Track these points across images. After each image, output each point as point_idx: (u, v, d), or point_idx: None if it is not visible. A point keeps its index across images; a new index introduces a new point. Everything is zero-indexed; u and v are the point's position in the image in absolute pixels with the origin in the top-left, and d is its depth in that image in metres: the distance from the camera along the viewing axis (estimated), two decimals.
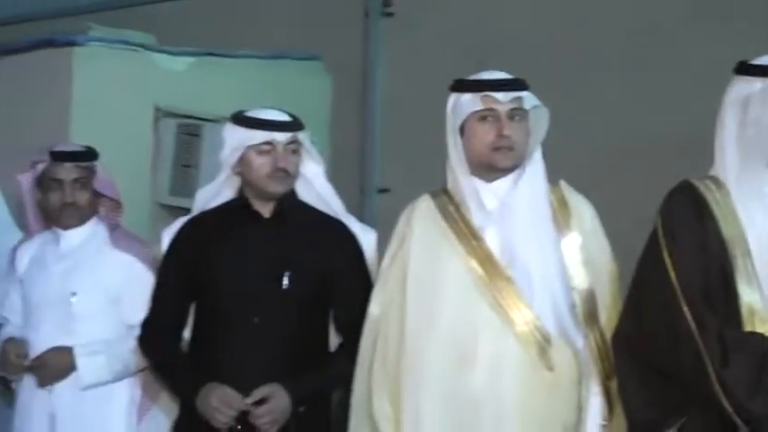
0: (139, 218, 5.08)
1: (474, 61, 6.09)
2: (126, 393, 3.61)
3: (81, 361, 3.49)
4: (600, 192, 3.21)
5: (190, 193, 5.49)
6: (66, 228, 3.64)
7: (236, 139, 3.24)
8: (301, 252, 3.22)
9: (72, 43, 5.26)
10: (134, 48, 5.49)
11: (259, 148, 3.20)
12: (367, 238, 3.38)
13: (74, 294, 3.55)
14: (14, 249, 3.76)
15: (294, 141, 3.25)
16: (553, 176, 3.06)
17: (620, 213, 3.56)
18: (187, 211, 5.48)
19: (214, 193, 3.40)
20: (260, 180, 3.21)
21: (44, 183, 3.63)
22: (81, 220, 3.64)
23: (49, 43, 5.32)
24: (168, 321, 3.33)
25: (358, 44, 6.50)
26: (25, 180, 3.71)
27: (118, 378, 3.57)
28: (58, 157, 3.61)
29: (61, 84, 5.23)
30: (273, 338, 3.14)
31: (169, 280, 3.35)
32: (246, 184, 3.26)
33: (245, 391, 3.06)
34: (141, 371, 3.61)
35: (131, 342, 3.49)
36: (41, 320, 3.56)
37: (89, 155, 3.68)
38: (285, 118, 3.26)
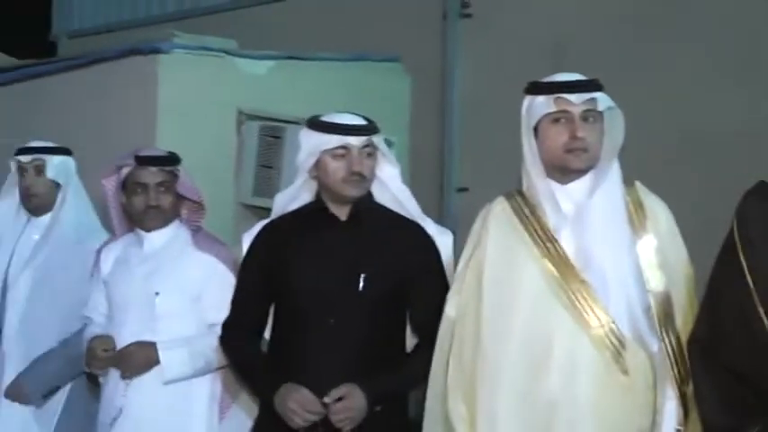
0: (224, 218, 5.13)
1: (551, 60, 6.11)
2: (206, 390, 3.62)
3: (164, 355, 3.50)
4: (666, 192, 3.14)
5: (272, 194, 5.46)
6: (149, 230, 3.66)
7: (312, 143, 3.21)
8: (377, 254, 3.19)
9: (157, 51, 5.33)
10: (217, 53, 5.55)
11: (334, 153, 3.17)
12: (443, 239, 3.33)
13: (157, 294, 3.57)
14: (99, 251, 3.80)
15: (369, 145, 3.21)
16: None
17: (687, 214, 3.47)
18: (269, 211, 5.55)
19: (292, 196, 3.38)
20: (335, 184, 3.19)
21: (129, 186, 3.65)
22: (164, 223, 3.67)
23: (135, 52, 5.39)
24: (248, 323, 3.33)
25: (437, 46, 6.48)
26: (109, 184, 3.74)
27: (198, 374, 3.57)
28: (143, 161, 3.63)
29: (147, 90, 5.30)
30: (349, 340, 3.12)
31: (248, 282, 3.34)
32: (323, 187, 3.24)
33: (321, 391, 3.04)
34: (221, 368, 3.61)
35: (212, 339, 3.49)
36: (125, 320, 3.59)
37: (173, 159, 3.70)
38: (360, 122, 3.22)
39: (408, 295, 3.21)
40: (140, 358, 3.52)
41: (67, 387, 3.93)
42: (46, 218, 4.03)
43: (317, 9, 6.75)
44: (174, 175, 3.67)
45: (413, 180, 3.65)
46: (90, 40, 8.26)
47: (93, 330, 3.69)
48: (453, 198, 6.36)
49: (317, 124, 3.22)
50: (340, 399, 3.04)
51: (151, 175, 3.61)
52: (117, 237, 3.81)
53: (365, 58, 6.29)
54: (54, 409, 3.90)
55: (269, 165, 5.49)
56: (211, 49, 5.51)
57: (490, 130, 6.17)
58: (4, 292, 3.97)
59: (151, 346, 3.52)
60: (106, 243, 3.82)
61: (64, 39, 8.66)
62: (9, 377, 3.90)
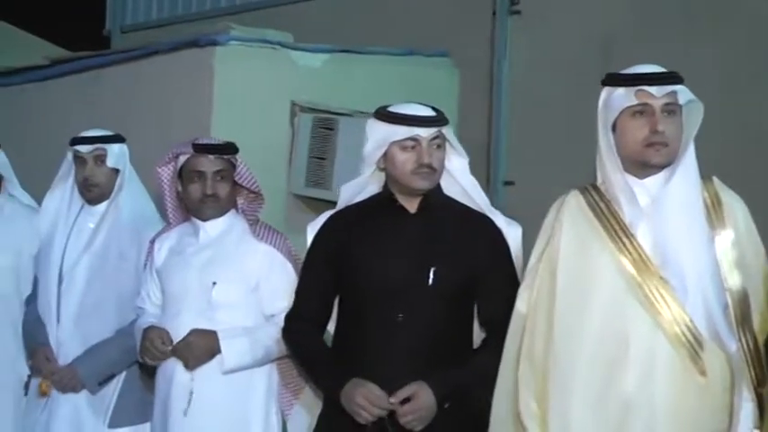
0: (276, 208, 4.98)
1: (600, 56, 5.91)
2: (264, 384, 3.44)
3: (225, 344, 3.32)
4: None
5: (324, 185, 5.38)
6: (205, 219, 3.48)
7: (380, 134, 3.03)
8: (447, 248, 3.01)
9: (214, 43, 5.17)
10: (272, 46, 5.38)
11: (403, 144, 3.00)
12: (512, 231, 3.14)
13: (214, 284, 3.38)
14: (152, 241, 3.63)
15: (438, 136, 3.04)
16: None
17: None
18: (321, 202, 5.42)
19: (359, 187, 3.20)
20: (404, 176, 3.01)
21: (185, 175, 3.47)
22: (220, 212, 3.49)
23: (192, 44, 5.23)
24: (312, 315, 3.16)
25: (485, 41, 6.28)
26: (165, 172, 3.56)
27: (257, 364, 3.40)
28: (201, 149, 3.45)
29: (204, 82, 5.16)
30: (418, 335, 2.95)
31: (313, 274, 3.17)
32: (391, 179, 3.07)
33: (389, 386, 2.88)
34: (281, 358, 3.44)
35: (272, 330, 3.34)
36: (182, 310, 3.41)
37: (230, 148, 3.51)
38: (429, 113, 3.04)
39: (477, 289, 3.03)
40: (202, 347, 3.34)
41: (122, 376, 3.76)
42: (101, 206, 3.85)
43: (370, 3, 6.56)
44: (232, 164, 3.49)
45: None
46: (143, 34, 8.11)
47: (146, 321, 3.50)
48: (500, 192, 6.16)
49: (385, 115, 3.04)
50: (408, 398, 2.87)
51: (209, 164, 3.43)
52: (171, 226, 3.62)
53: (416, 53, 6.11)
54: (108, 398, 3.73)
55: (322, 156, 5.32)
56: (267, 42, 5.35)
57: (537, 124, 6.00)
58: (59, 281, 3.80)
59: (212, 334, 3.34)
60: (160, 233, 3.63)
61: (117, 33, 8.52)
62: (64, 362, 3.73)
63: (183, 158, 3.47)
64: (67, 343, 3.74)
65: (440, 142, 3.04)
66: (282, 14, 6.49)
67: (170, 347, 3.35)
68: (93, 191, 3.82)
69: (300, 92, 5.47)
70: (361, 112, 5.35)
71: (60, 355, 3.74)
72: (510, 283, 2.95)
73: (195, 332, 3.34)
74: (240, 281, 3.41)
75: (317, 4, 6.61)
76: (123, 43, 8.12)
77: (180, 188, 3.50)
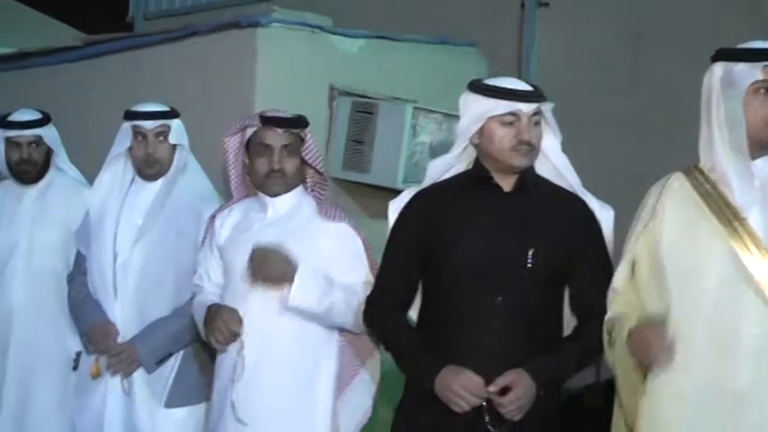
0: None
1: (629, 50, 5.69)
2: (333, 366, 3.15)
3: (300, 277, 3.00)
4: None
5: (362, 168, 5.13)
6: (273, 195, 3.18)
7: (478, 109, 2.74)
8: (545, 228, 2.74)
9: (256, 24, 4.88)
10: (312, 29, 5.10)
11: (502, 119, 2.72)
12: (605, 214, 2.86)
13: None
14: (213, 217, 3.32)
15: (538, 113, 2.77)
16: None
17: None
18: (358, 185, 5.18)
19: (448, 164, 2.91)
20: (501, 153, 2.73)
21: (252, 147, 3.17)
22: (287, 188, 3.18)
23: (234, 25, 4.95)
24: (397, 298, 2.88)
25: (513, 33, 6.07)
26: (232, 143, 3.25)
27: (319, 316, 3.06)
28: (270, 121, 3.15)
29: (246, 63, 4.88)
30: (514, 318, 2.67)
31: (398, 255, 2.89)
32: (486, 156, 2.78)
33: (484, 373, 2.61)
34: (344, 332, 3.15)
35: (349, 293, 3.05)
36: (250, 288, 3.08)
37: (300, 122, 3.21)
38: (529, 88, 2.77)
39: (570, 273, 2.76)
40: (277, 267, 3.00)
41: (179, 355, 3.48)
42: (157, 183, 3.57)
43: None
44: (301, 139, 3.20)
45: None
46: (166, 21, 7.81)
47: (208, 299, 3.20)
48: None
49: (484, 88, 2.75)
50: (506, 387, 2.61)
51: (276, 137, 3.12)
52: (233, 202, 3.32)
53: (446, 42, 5.85)
54: (165, 378, 3.46)
55: (360, 140, 5.06)
56: (307, 25, 5.07)
57: (564, 116, 5.74)
58: (114, 259, 3.52)
59: (292, 262, 3.01)
60: (220, 209, 3.33)
61: (140, 19, 8.21)
62: (122, 341, 3.47)
63: (250, 131, 3.18)
64: (126, 320, 3.47)
65: (538, 119, 2.78)
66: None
67: (242, 329, 3.05)
68: (155, 167, 3.54)
69: (338, 76, 5.19)
70: (396, 98, 5.11)
71: (122, 333, 3.47)
72: (604, 266, 2.71)
73: (278, 254, 3.02)
74: (312, 259, 3.09)
75: None
76: (147, 29, 7.81)
77: (246, 161, 3.21)
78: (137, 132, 3.54)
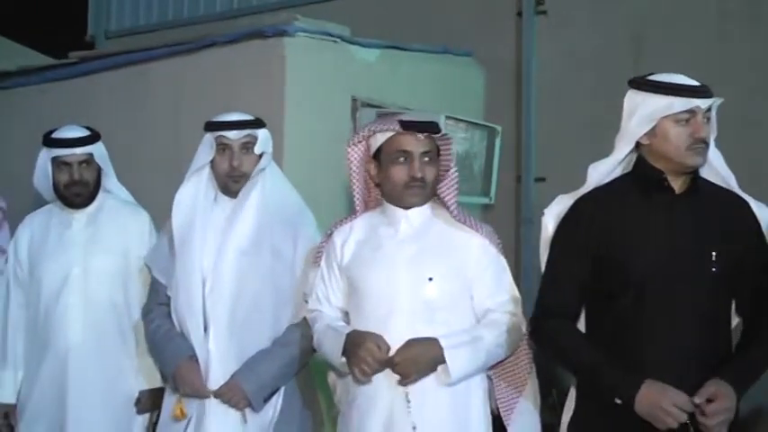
0: (337, 203, 4.18)
1: (629, 55, 5.35)
2: (481, 385, 2.66)
3: (450, 354, 2.51)
4: None
5: None
6: (408, 206, 2.67)
7: (650, 107, 2.36)
8: (720, 231, 2.38)
9: (283, 33, 4.32)
10: (333, 39, 4.57)
11: (677, 117, 2.34)
12: (764, 214, 2.49)
13: (430, 279, 2.58)
14: (330, 234, 2.78)
15: (710, 109, 2.39)
16: None
17: None
18: None
19: (611, 167, 2.51)
20: (678, 152, 2.36)
21: (387, 156, 2.65)
22: (426, 199, 2.69)
23: (257, 34, 4.37)
24: (566, 310, 2.46)
25: (511, 41, 5.65)
26: (355, 152, 2.73)
27: (481, 370, 2.63)
28: (411, 126, 2.63)
29: (274, 73, 4.30)
30: (704, 323, 2.32)
31: (565, 264, 2.46)
32: (657, 156, 2.40)
33: (681, 383, 2.25)
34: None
35: (494, 330, 2.60)
36: (393, 311, 2.56)
37: (438, 126, 2.70)
38: (699, 83, 2.39)
39: (739, 276, 2.39)
40: (426, 360, 2.52)
41: (281, 389, 2.91)
42: (246, 198, 2.97)
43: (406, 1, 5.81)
44: (436, 145, 2.69)
45: None
46: (130, 40, 7.11)
47: (336, 326, 2.66)
48: (531, 188, 5.50)
49: (657, 86, 2.37)
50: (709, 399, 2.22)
51: (416, 143, 2.62)
52: (353, 216, 2.78)
53: (447, 51, 5.39)
54: (270, 414, 2.88)
55: None
56: (330, 34, 4.54)
57: (566, 121, 5.38)
58: (203, 285, 2.92)
59: (434, 343, 2.52)
60: (339, 224, 2.79)
61: (102, 39, 7.47)
62: (218, 376, 2.86)
63: (381, 137, 2.66)
64: (221, 354, 2.87)
65: (710, 115, 2.39)
66: (340, 7, 5.64)
67: (387, 356, 2.52)
68: (240, 181, 2.97)
69: (358, 86, 4.68)
70: (408, 109, 4.61)
71: (211, 369, 2.86)
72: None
73: (415, 342, 2.52)
74: (456, 276, 2.62)
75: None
76: (110, 48, 7.09)
77: (374, 170, 2.69)
78: (220, 144, 2.95)
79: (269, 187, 3.01)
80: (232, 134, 2.95)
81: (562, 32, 5.48)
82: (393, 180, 2.63)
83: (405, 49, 5.06)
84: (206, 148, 2.99)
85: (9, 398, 3.26)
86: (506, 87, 5.59)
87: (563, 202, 2.55)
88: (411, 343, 2.51)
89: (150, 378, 3.22)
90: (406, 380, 2.51)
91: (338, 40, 4.59)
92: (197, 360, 2.86)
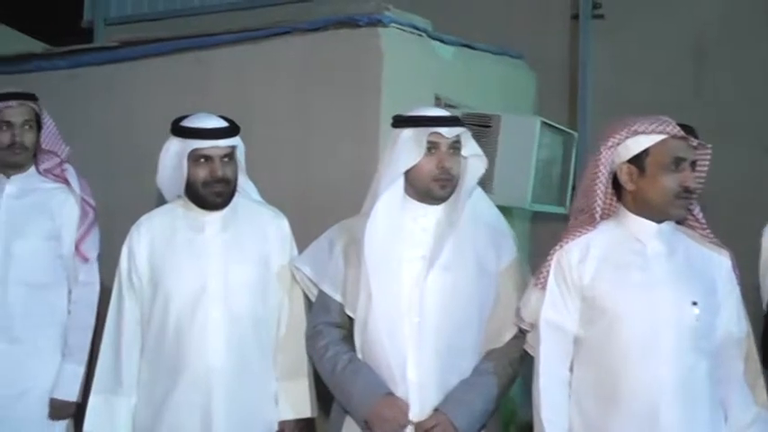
0: None
1: (689, 61, 5.02)
2: None
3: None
4: None
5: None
6: (663, 220, 2.25)
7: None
8: None
9: (377, 23, 3.80)
10: (419, 32, 4.08)
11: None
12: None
13: (695, 304, 2.16)
14: (561, 246, 2.30)
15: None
16: None
17: None
18: None
19: None
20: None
21: (657, 161, 2.22)
22: (687, 212, 2.29)
23: (351, 22, 3.84)
24: None
25: (564, 45, 5.27)
26: (606, 157, 2.28)
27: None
28: (689, 131, 2.24)
29: (371, 64, 3.79)
30: None
31: None
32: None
33: None
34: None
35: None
36: (656, 336, 2.14)
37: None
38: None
39: None
40: None
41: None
42: (438, 207, 2.50)
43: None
44: None
45: None
46: (133, 27, 6.43)
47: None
48: None
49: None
50: None
51: (688, 151, 2.21)
52: (590, 228, 2.29)
53: (504, 53, 4.95)
54: None
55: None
56: (417, 27, 4.04)
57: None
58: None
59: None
60: (570, 237, 2.28)
61: (101, 26, 6.73)
62: (415, 409, 2.35)
63: (645, 140, 2.20)
64: (423, 384, 2.35)
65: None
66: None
67: None
68: (448, 186, 2.46)
69: (439, 83, 4.19)
70: (479, 110, 4.14)
71: (410, 401, 2.34)
72: None
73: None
74: (712, 299, 2.20)
75: None
76: (109, 36, 6.39)
77: (632, 177, 2.23)
78: (431, 144, 2.44)
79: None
80: (446, 131, 2.46)
81: (620, 37, 5.13)
82: (666, 188, 2.19)
83: (473, 48, 4.60)
84: (411, 147, 2.45)
85: (124, 430, 2.67)
86: (558, 91, 5.21)
87: None
88: None
89: (297, 406, 2.68)
90: None
91: (423, 34, 4.10)
92: (393, 394, 2.35)
